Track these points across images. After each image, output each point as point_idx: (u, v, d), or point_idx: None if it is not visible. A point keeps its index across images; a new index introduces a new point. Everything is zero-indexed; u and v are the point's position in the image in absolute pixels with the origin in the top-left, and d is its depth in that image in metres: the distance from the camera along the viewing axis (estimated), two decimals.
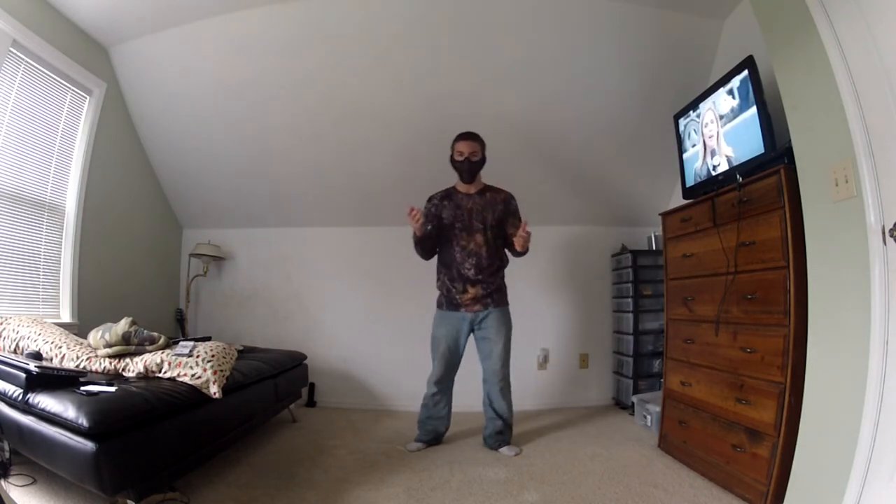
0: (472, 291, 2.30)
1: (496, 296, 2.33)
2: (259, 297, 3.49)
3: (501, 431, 2.35)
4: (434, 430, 2.41)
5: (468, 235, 2.31)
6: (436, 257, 2.43)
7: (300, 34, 2.54)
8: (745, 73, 1.89)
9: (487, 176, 2.47)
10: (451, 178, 2.44)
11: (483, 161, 2.34)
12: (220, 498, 1.72)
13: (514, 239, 2.22)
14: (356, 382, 3.34)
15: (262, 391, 2.29)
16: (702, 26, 2.56)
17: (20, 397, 1.41)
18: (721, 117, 2.08)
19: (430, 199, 2.42)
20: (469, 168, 2.30)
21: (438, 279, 2.41)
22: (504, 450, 2.30)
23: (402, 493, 1.80)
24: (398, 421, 2.92)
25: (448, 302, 2.36)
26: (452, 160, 2.34)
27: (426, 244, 2.32)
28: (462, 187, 2.39)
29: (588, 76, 2.71)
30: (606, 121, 2.90)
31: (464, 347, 2.38)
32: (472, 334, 2.38)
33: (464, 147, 2.29)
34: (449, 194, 2.39)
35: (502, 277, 2.41)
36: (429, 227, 2.29)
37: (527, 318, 3.26)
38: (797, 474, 1.47)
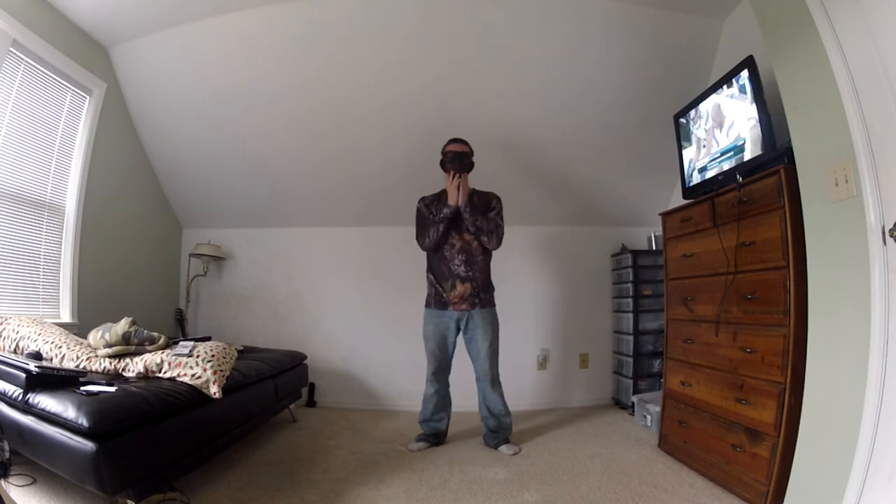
0: (460, 289, 2.33)
1: (483, 295, 2.36)
2: (259, 297, 3.49)
3: (497, 429, 2.37)
4: (435, 429, 2.43)
5: (457, 234, 2.35)
6: (426, 258, 2.46)
7: (302, 34, 2.53)
8: (745, 72, 1.89)
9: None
10: None
11: (471, 164, 2.37)
12: (220, 498, 1.73)
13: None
14: (356, 382, 3.34)
15: (262, 391, 2.29)
16: (702, 26, 2.56)
17: (20, 397, 1.41)
18: (721, 117, 2.08)
19: (421, 200, 2.46)
20: (455, 158, 2.31)
21: (427, 279, 2.45)
22: (503, 448, 2.31)
23: (401, 493, 1.81)
24: (398, 421, 2.92)
25: (436, 301, 2.40)
26: (442, 162, 2.37)
27: (442, 227, 2.31)
28: None
29: (588, 76, 2.71)
30: (606, 120, 2.90)
31: (453, 345, 2.40)
32: (460, 334, 2.40)
33: (454, 147, 2.36)
34: (440, 196, 2.44)
35: (489, 275, 2.43)
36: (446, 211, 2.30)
37: (527, 318, 3.29)
38: (797, 474, 1.47)
